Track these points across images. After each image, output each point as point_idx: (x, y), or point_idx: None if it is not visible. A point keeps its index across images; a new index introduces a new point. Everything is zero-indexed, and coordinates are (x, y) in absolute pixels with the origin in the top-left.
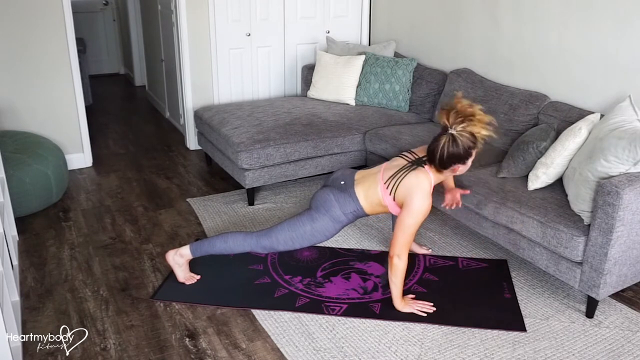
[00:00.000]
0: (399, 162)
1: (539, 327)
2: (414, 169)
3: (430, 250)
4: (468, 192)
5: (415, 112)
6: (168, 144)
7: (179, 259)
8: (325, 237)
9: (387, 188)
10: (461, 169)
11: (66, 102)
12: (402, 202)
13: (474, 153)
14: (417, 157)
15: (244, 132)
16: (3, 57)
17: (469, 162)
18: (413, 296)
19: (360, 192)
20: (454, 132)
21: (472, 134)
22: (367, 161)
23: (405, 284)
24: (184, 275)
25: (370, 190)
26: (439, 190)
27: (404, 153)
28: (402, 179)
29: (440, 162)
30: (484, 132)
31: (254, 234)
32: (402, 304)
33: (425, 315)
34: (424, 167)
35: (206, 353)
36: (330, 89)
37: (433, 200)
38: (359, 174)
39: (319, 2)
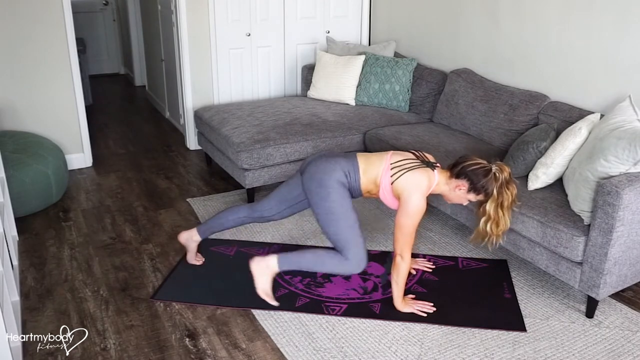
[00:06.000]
0: (408, 154)
1: (539, 327)
2: (423, 167)
3: (430, 262)
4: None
5: (415, 112)
6: (168, 144)
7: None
8: (350, 206)
9: (391, 169)
10: (460, 193)
11: (66, 102)
12: (397, 194)
13: (480, 197)
14: (427, 159)
15: (244, 132)
16: (3, 57)
17: (470, 196)
18: (413, 296)
19: (362, 163)
20: (495, 168)
21: (499, 192)
22: None
23: (405, 284)
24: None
25: (373, 165)
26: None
27: (413, 150)
28: (409, 171)
29: (459, 165)
30: (492, 209)
31: (337, 254)
32: (403, 304)
33: (425, 315)
34: (433, 170)
35: (206, 353)
36: (330, 89)
37: (433, 201)
38: (361, 154)
39: (319, 2)
